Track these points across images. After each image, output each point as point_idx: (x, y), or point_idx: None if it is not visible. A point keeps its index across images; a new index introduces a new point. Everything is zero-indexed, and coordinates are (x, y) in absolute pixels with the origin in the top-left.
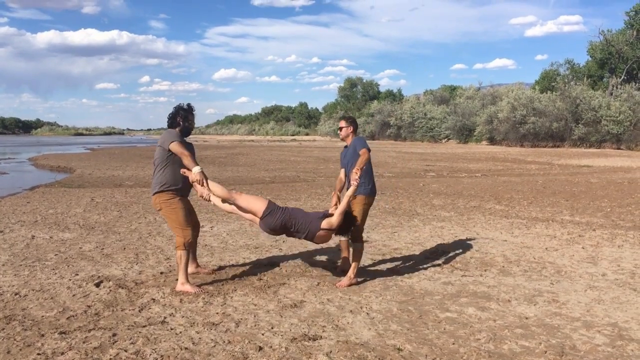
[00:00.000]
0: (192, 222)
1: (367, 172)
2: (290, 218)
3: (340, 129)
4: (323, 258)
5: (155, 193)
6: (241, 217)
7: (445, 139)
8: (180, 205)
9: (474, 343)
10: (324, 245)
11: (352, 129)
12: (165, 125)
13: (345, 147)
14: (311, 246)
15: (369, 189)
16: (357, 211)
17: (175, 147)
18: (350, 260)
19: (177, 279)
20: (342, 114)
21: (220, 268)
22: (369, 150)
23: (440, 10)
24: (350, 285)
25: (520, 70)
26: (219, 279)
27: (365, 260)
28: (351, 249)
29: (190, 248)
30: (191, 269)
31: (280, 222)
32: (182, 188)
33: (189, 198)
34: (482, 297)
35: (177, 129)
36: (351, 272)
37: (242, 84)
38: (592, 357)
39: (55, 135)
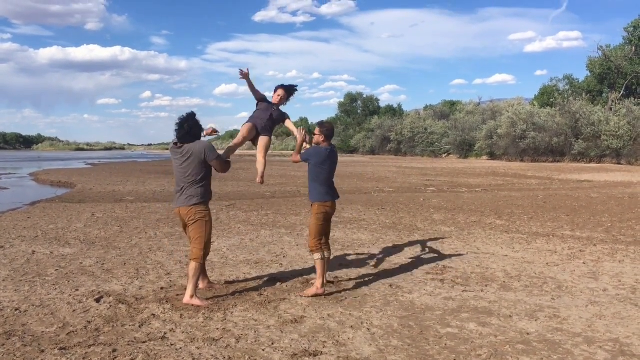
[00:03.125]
0: None
1: (319, 178)
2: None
3: (313, 135)
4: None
5: (194, 204)
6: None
7: (446, 154)
8: (211, 220)
9: (475, 359)
10: None
11: (323, 138)
12: (164, 140)
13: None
14: (311, 262)
15: (322, 194)
16: (310, 220)
17: (216, 163)
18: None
19: (177, 295)
20: (321, 121)
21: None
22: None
23: (440, 27)
24: (315, 295)
25: (520, 86)
26: (219, 295)
27: (366, 275)
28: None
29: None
30: (202, 284)
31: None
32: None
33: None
34: (483, 312)
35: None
36: (317, 283)
37: (243, 100)
38: None
39: (56, 151)
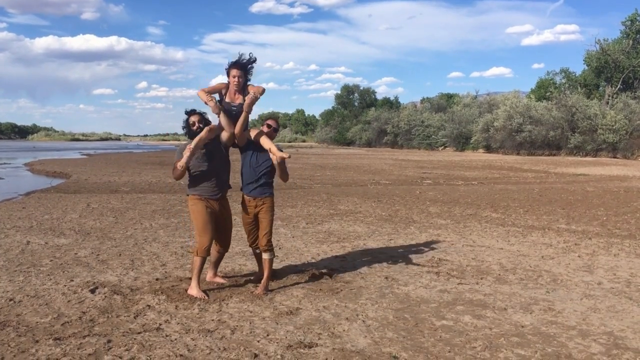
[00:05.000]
0: (213, 231)
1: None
2: None
3: (275, 130)
4: (319, 265)
5: (187, 195)
6: None
7: (442, 147)
8: (202, 211)
9: (469, 351)
10: (322, 254)
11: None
12: (160, 131)
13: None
14: (307, 254)
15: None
16: (268, 215)
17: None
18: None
19: (172, 286)
20: (273, 114)
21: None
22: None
23: (437, 19)
24: (265, 292)
25: (517, 79)
26: (214, 286)
27: (362, 268)
28: (264, 259)
29: (207, 255)
30: (207, 276)
31: None
32: (207, 192)
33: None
34: (478, 305)
35: (188, 140)
36: (265, 281)
37: None
38: None
39: (51, 141)
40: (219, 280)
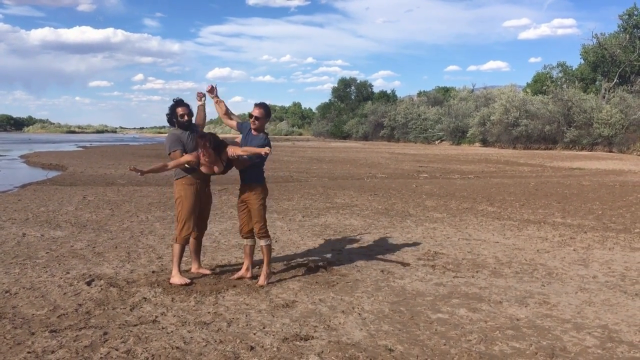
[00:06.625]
0: (196, 219)
1: (261, 166)
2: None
3: (257, 119)
4: (316, 258)
5: (176, 179)
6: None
7: (439, 141)
8: (192, 197)
9: (465, 344)
10: (318, 247)
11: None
12: (156, 123)
13: (249, 130)
14: (304, 246)
15: (263, 176)
16: (256, 202)
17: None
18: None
19: (169, 278)
20: (260, 102)
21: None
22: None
23: (434, 12)
24: (269, 280)
25: (514, 73)
26: (211, 279)
27: (358, 261)
28: (261, 246)
29: (187, 243)
30: (192, 268)
31: None
32: (199, 175)
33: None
34: (473, 298)
35: (176, 128)
36: (266, 268)
37: (236, 84)
38: (583, 358)
39: (47, 133)
40: (203, 271)
